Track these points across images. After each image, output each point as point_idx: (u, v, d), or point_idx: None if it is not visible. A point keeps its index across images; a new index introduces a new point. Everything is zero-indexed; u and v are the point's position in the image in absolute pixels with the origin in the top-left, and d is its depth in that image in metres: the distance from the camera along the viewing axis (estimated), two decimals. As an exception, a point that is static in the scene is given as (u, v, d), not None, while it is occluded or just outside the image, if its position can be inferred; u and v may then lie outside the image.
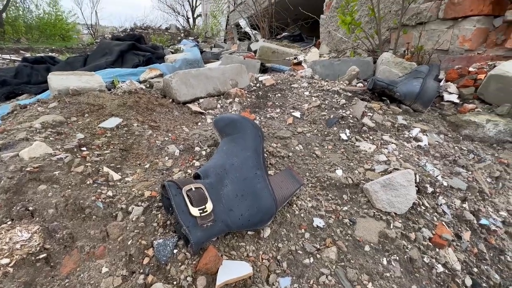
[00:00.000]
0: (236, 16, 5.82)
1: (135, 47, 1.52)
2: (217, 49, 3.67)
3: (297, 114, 0.80)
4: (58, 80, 0.79)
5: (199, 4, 19.74)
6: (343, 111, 0.79)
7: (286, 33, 3.00)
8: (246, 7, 4.26)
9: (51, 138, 0.53)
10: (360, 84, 0.97)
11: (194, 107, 0.83)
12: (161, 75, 1.28)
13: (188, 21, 18.86)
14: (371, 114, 0.77)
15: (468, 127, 0.76)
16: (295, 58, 1.51)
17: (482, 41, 0.96)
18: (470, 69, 0.92)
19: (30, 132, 0.54)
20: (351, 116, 0.77)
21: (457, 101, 0.84)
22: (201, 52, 3.19)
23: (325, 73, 1.21)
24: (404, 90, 0.81)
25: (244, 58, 1.45)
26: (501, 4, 0.93)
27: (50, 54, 4.83)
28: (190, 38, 13.45)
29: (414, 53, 1.13)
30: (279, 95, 0.92)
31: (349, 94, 0.85)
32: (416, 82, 0.81)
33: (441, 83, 0.94)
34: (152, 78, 1.28)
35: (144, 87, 0.93)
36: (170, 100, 0.86)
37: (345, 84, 0.96)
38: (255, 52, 2.71)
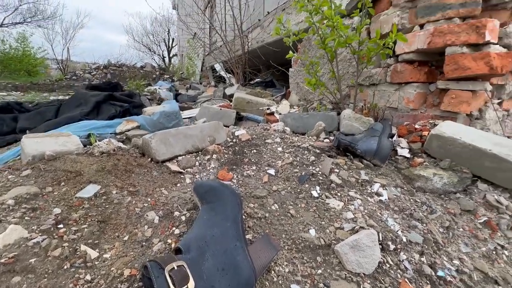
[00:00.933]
0: (211, 59, 6.17)
1: (112, 97, 1.55)
2: (193, 91, 3.80)
3: (272, 171, 0.86)
4: (32, 144, 0.78)
5: (175, 45, 20.55)
6: (313, 167, 0.87)
7: (258, 79, 3.24)
8: (220, 53, 4.55)
9: (26, 218, 0.52)
10: (327, 140, 1.08)
11: (173, 166, 0.86)
12: (138, 127, 1.31)
13: (164, 60, 19.38)
14: (337, 171, 0.86)
15: (419, 180, 0.88)
16: (268, 109, 1.64)
17: (423, 102, 1.15)
18: (416, 126, 1.09)
19: (2, 211, 0.53)
20: (320, 173, 0.85)
21: (408, 155, 0.97)
22: (177, 94, 3.29)
23: (296, 125, 1.32)
24: (364, 148, 0.92)
25: (221, 109, 1.54)
26: (433, 73, 1.13)
27: (14, 93, 4.61)
28: (165, 76, 13.69)
29: (371, 108, 1.30)
30: (254, 151, 0.99)
31: (318, 151, 0.95)
32: (373, 141, 0.93)
33: (395, 138, 1.08)
34: (129, 130, 1.30)
35: (122, 145, 0.95)
36: (149, 159, 0.89)
37: (313, 140, 1.07)
38: (230, 96, 2.87)
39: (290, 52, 1.37)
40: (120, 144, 0.94)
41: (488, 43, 0.91)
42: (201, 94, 3.61)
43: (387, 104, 1.26)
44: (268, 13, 2.77)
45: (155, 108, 1.31)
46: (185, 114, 1.88)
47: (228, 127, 1.39)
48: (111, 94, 1.54)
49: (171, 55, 19.92)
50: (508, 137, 1.15)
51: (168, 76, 14.10)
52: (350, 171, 0.88)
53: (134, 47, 18.42)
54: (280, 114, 1.54)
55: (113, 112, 1.43)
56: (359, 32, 1.20)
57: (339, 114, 1.49)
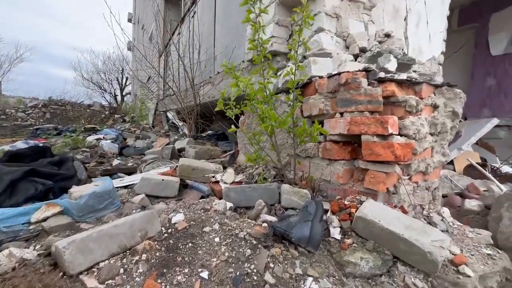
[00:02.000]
0: (165, 103, 6.12)
1: (33, 172, 1.36)
2: (143, 141, 3.63)
3: (205, 274, 0.81)
4: None
5: (129, 83, 20.03)
6: (248, 265, 0.85)
7: (210, 131, 3.28)
8: (173, 102, 4.55)
9: None
10: (265, 224, 1.09)
11: (90, 280, 0.75)
12: (61, 213, 1.15)
13: (115, 98, 18.54)
14: (272, 266, 0.86)
15: (349, 266, 0.92)
16: (213, 177, 1.63)
17: (350, 177, 1.27)
18: (346, 202, 1.18)
19: None
20: (255, 271, 0.83)
21: (339, 237, 1.03)
22: (123, 147, 3.09)
23: (239, 199, 1.33)
24: (299, 235, 0.95)
25: (163, 179, 1.48)
26: (356, 151, 1.28)
27: None
28: (116, 116, 12.96)
29: (308, 180, 1.39)
30: (190, 245, 0.94)
31: (254, 242, 0.95)
32: (306, 227, 0.97)
33: (328, 214, 1.15)
34: (49, 217, 1.13)
35: (28, 255, 0.81)
36: (61, 273, 0.76)
37: (253, 223, 1.07)
38: (180, 151, 2.80)
39: (232, 126, 1.43)
40: (27, 253, 0.80)
41: (391, 134, 1.08)
42: (151, 145, 3.47)
43: (321, 177, 1.36)
44: (218, 72, 2.94)
45: (85, 188, 1.19)
46: (126, 181, 1.75)
47: (169, 204, 1.32)
48: (33, 168, 1.35)
49: (124, 94, 19.24)
50: (420, 204, 1.33)
51: (119, 115, 13.39)
52: (286, 263, 0.89)
53: (82, 84, 17.34)
54: (225, 183, 1.54)
55: (32, 192, 1.23)
56: (293, 111, 1.33)
57: (282, 180, 1.56)
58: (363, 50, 1.65)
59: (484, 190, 2.82)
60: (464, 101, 1.34)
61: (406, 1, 2.16)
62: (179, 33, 4.49)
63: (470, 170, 3.75)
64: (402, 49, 1.84)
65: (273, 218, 1.11)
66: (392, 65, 1.32)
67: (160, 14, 7.13)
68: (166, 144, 3.44)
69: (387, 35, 1.76)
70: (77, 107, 13.74)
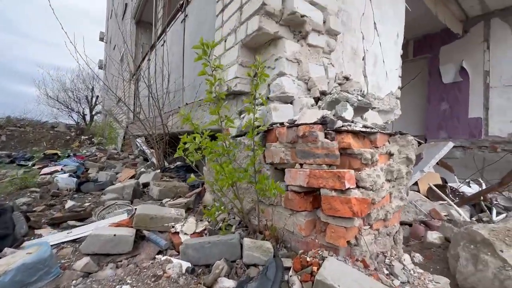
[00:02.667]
0: (135, 128, 5.87)
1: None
2: (106, 173, 3.39)
3: None
4: None
5: (99, 102, 19.20)
6: None
7: (179, 163, 3.15)
8: (141, 128, 4.37)
9: None
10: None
11: None
12: (-20, 292, 0.97)
13: (84, 118, 17.56)
14: None
15: None
16: (173, 227, 1.52)
17: (313, 228, 1.24)
18: (308, 258, 1.14)
19: None
20: None
21: (300, 304, 0.97)
22: (81, 183, 2.85)
23: (197, 256, 1.23)
24: (255, 309, 0.88)
25: (115, 235, 1.34)
26: (318, 200, 1.27)
27: None
28: (83, 137, 12.21)
29: (271, 230, 1.34)
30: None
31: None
32: (264, 298, 0.90)
33: (290, 273, 1.10)
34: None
35: None
36: None
37: (207, 293, 0.99)
38: (145, 186, 2.64)
39: (192, 175, 1.36)
40: None
41: (349, 189, 1.08)
42: (114, 178, 3.24)
43: (285, 227, 1.32)
44: (187, 104, 2.88)
45: (12, 259, 1.02)
46: (75, 233, 1.57)
47: (117, 269, 1.19)
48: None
49: (93, 113, 18.33)
50: (382, 252, 1.33)
51: (86, 137, 12.62)
52: None
53: (47, 103, 16.24)
54: (186, 234, 1.44)
55: None
56: (254, 160, 1.30)
57: (247, 227, 1.49)
58: (323, 93, 1.70)
59: (445, 215, 2.96)
60: (416, 147, 1.40)
61: (363, 43, 2.31)
62: (149, 59, 4.42)
63: (432, 191, 3.96)
64: (361, 90, 1.93)
65: (231, 284, 1.03)
66: (348, 113, 1.36)
67: (132, 37, 7.03)
68: (131, 177, 3.24)
69: (346, 78, 1.84)
70: (38, 128, 12.74)
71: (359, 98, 1.62)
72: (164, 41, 3.68)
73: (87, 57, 3.41)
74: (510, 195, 3.41)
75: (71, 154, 6.50)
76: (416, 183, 4.55)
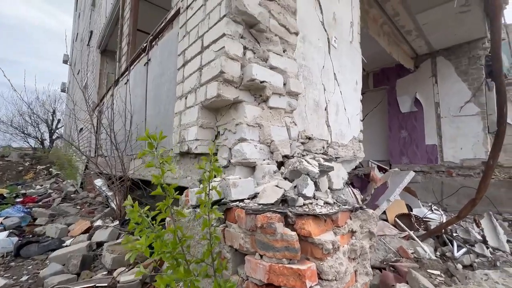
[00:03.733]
0: (96, 165, 5.44)
1: None
2: (55, 226, 3.02)
3: None
4: None
5: (61, 126, 17.87)
6: None
7: (141, 213, 2.91)
8: (103, 165, 4.04)
9: None
10: None
11: None
12: None
13: (42, 144, 16.12)
14: None
15: None
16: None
17: (276, 323, 1.14)
18: None
19: None
20: None
21: None
22: (23, 244, 2.49)
23: None
24: None
25: None
26: (281, 288, 1.17)
27: None
28: (40, 167, 11.11)
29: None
30: None
31: None
32: None
33: None
34: None
35: None
36: None
37: None
38: (99, 245, 2.36)
39: (141, 267, 1.21)
40: None
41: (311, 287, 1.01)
42: (65, 232, 2.89)
43: (247, 320, 1.20)
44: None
45: None
46: None
47: None
48: None
49: (53, 137, 16.96)
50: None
51: (44, 166, 11.49)
52: None
53: (-1, 128, 14.68)
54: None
55: None
56: (211, 249, 1.19)
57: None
58: (286, 156, 1.68)
59: (412, 252, 3.03)
60: (378, 220, 1.40)
61: (325, 95, 2.39)
62: (112, 95, 4.20)
63: (400, 219, 4.08)
64: (324, 147, 1.95)
65: None
66: (309, 189, 1.33)
67: (97, 65, 6.74)
68: (86, 230, 2.92)
69: (309, 138, 1.85)
70: (-16, 159, 11.34)
71: (321, 162, 1.62)
72: (128, 80, 3.53)
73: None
74: (467, 226, 3.62)
75: (20, 193, 5.81)
76: (384, 212, 4.69)
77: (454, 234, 3.41)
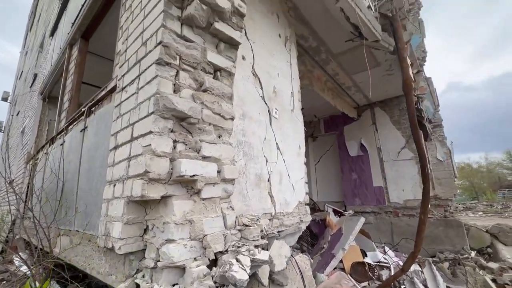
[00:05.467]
0: (23, 228, 4.68)
1: None
2: None
3: None
4: None
5: (-8, 170, 15.49)
6: None
7: None
8: (29, 232, 3.46)
9: None
10: None
11: None
12: None
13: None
14: None
15: None
16: None
17: None
18: None
19: None
20: None
21: None
22: None
23: None
24: None
25: None
26: None
27: None
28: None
29: None
30: None
31: None
32: None
33: None
34: None
35: None
36: None
37: None
38: None
39: None
40: None
41: None
42: None
43: None
44: (77, 231, 2.42)
45: None
46: None
47: None
48: None
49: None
50: None
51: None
52: None
53: None
54: None
55: None
56: None
57: None
58: (221, 252, 1.61)
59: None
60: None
61: (267, 166, 2.45)
62: (46, 153, 3.81)
63: (355, 267, 4.10)
64: (262, 230, 1.92)
65: None
66: (236, 304, 1.25)
67: (37, 112, 6.20)
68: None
69: (246, 225, 1.82)
70: None
71: (256, 255, 1.58)
72: (64, 142, 3.25)
73: None
74: (413, 275, 3.79)
75: None
76: (341, 261, 4.72)
77: (402, 287, 3.52)
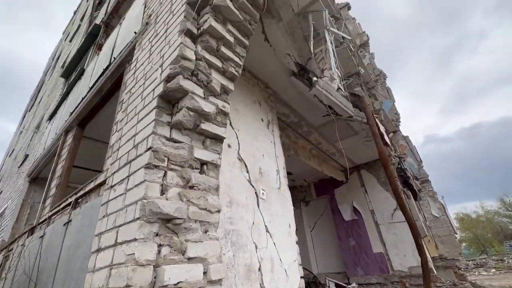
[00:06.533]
0: None
1: None
2: None
3: None
4: None
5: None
6: None
7: None
8: None
9: None
10: None
11: None
12: None
13: None
14: None
15: None
16: None
17: None
18: None
19: None
20: None
21: None
22: None
23: None
24: None
25: None
26: None
27: None
28: None
29: None
30: None
31: None
32: None
33: None
34: None
35: None
36: None
37: None
38: None
39: None
40: None
41: None
42: None
43: None
44: None
45: None
46: None
47: None
48: None
49: None
50: None
51: None
52: None
53: None
54: None
55: None
56: None
57: None
58: None
59: None
60: None
61: (257, 254, 2.36)
62: (23, 245, 3.55)
63: None
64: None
65: None
66: None
67: (22, 194, 6.03)
68: None
69: (235, 335, 1.66)
70: None
71: None
72: (44, 234, 3.10)
73: None
74: None
75: None
76: None
77: None
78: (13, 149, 11.90)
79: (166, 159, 1.83)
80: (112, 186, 2.07)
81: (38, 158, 5.72)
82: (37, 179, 6.08)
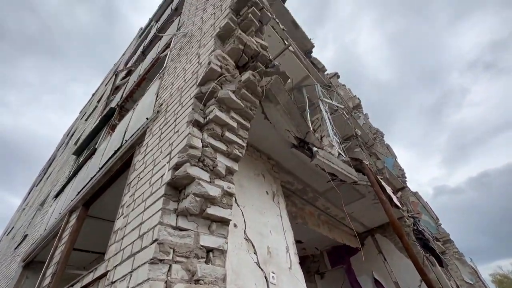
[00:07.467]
0: None
1: None
2: None
3: None
4: None
5: None
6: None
7: None
8: None
9: None
10: None
11: None
12: None
13: None
14: None
15: None
16: None
17: None
18: None
19: None
20: None
21: None
22: None
23: None
24: None
25: None
26: None
27: None
28: None
29: None
30: None
31: None
32: None
33: None
34: None
35: None
36: None
37: None
38: None
39: None
40: None
41: None
42: None
43: None
44: None
45: None
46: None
47: None
48: None
49: None
50: None
51: None
52: None
53: None
54: None
55: None
56: None
57: None
58: None
59: None
60: None
61: None
62: None
63: None
64: None
65: None
66: None
67: (13, 281, 5.58)
68: None
69: None
70: None
71: None
72: None
73: None
74: None
75: None
76: None
77: None
78: (12, 227, 11.56)
79: (171, 251, 1.78)
80: (113, 283, 1.94)
81: (37, 240, 5.51)
82: (31, 263, 5.73)
